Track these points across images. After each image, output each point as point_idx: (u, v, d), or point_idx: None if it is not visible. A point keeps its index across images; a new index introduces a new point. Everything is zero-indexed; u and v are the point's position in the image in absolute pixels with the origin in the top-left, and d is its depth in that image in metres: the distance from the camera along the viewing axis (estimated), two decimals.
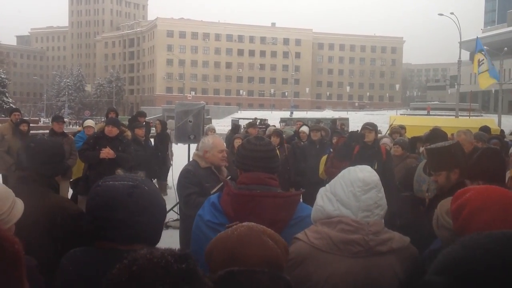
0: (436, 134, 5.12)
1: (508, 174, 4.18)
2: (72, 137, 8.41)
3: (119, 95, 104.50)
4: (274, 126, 16.87)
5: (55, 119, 8.33)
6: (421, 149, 6.21)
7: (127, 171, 6.22)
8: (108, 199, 1.66)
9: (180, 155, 10.61)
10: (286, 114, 62.81)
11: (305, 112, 74.50)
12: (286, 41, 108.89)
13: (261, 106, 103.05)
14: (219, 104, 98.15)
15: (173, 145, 11.29)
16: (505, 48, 43.92)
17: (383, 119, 41.24)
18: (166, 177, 10.78)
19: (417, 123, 18.03)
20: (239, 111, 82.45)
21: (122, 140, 6.74)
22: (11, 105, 49.80)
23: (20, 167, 2.55)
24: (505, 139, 9.93)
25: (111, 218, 1.64)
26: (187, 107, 9.00)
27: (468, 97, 57.59)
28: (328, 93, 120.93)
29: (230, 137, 10.06)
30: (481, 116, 49.57)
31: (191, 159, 4.87)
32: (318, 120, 18.52)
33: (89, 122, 8.84)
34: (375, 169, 2.10)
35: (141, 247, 1.26)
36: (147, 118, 11.04)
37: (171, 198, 8.79)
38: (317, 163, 7.40)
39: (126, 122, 10.63)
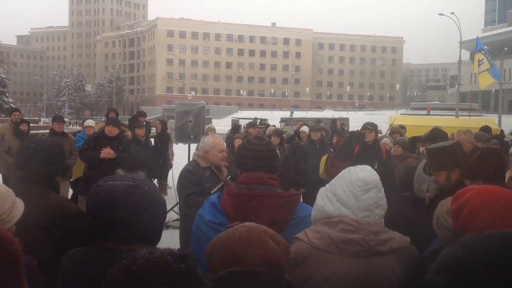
0: (436, 134, 5.12)
1: (508, 174, 4.18)
2: (72, 137, 8.41)
3: (119, 95, 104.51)
4: (274, 126, 16.88)
5: (55, 119, 8.33)
6: (421, 149, 6.21)
7: (128, 171, 6.23)
8: (109, 199, 1.66)
9: (180, 155, 10.61)
10: (286, 114, 62.81)
11: (305, 112, 74.48)
12: (286, 41, 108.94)
13: (261, 106, 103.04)
14: (219, 104, 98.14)
15: (174, 145, 11.30)
16: (505, 48, 43.99)
17: (383, 119, 41.26)
18: (166, 177, 10.78)
19: (417, 123, 18.02)
20: (239, 111, 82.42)
21: (122, 140, 6.74)
22: (11, 105, 49.79)
23: (20, 167, 2.54)
24: (505, 139, 9.93)
25: (112, 218, 1.64)
26: (187, 107, 9.00)
27: (468, 97, 57.58)
28: (328, 93, 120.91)
29: (230, 137, 10.06)
30: (481, 116, 49.57)
31: (191, 159, 4.87)
32: (318, 120, 18.54)
33: (90, 122, 8.84)
34: (375, 169, 2.10)
35: (141, 247, 1.26)
36: (147, 118, 11.04)
37: (171, 198, 8.79)
38: (317, 163, 7.40)
39: (126, 122, 10.65)
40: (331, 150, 7.18)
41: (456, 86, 40.71)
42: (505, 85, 40.41)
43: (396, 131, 9.34)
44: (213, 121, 44.90)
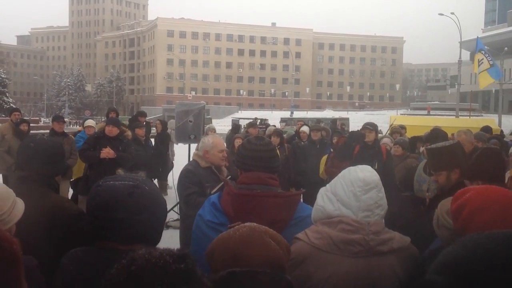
0: (437, 134, 5.12)
1: (508, 174, 4.18)
2: (72, 137, 8.42)
3: (120, 95, 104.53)
4: (274, 126, 16.88)
5: (56, 119, 8.33)
6: (422, 149, 6.21)
7: (128, 171, 6.23)
8: (109, 199, 1.66)
9: (181, 155, 10.61)
10: (286, 114, 62.82)
11: (306, 112, 74.51)
12: (286, 41, 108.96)
13: (262, 106, 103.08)
14: (219, 104, 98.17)
15: (174, 145, 11.30)
16: (506, 48, 44.01)
17: (384, 119, 41.26)
18: (167, 177, 10.78)
19: (418, 123, 18.01)
20: (239, 111, 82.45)
21: (123, 140, 6.74)
22: (11, 105, 49.79)
23: (20, 167, 2.54)
24: (505, 139, 9.93)
25: (112, 218, 1.64)
26: (188, 107, 9.00)
27: (468, 97, 57.58)
28: (328, 93, 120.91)
29: (230, 137, 10.06)
30: (481, 116, 49.57)
31: (191, 159, 4.87)
32: (319, 120, 18.56)
33: (90, 122, 8.84)
34: (375, 169, 2.10)
35: (141, 247, 1.26)
36: (147, 118, 11.04)
37: (172, 198, 8.80)
38: (317, 163, 7.40)
39: (126, 122, 10.64)
40: (331, 150, 7.18)
41: (456, 86, 40.70)
42: (505, 85, 40.42)
43: (396, 131, 9.34)
44: (213, 121, 44.91)
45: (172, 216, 7.96)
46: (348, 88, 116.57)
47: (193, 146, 7.83)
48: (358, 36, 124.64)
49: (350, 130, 15.21)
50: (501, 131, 14.26)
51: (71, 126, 56.38)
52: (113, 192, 1.67)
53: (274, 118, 52.75)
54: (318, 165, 7.32)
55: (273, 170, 2.34)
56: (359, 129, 6.71)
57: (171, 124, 11.70)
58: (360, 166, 2.04)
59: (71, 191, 7.52)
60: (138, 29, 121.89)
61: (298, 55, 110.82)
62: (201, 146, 4.30)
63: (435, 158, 3.13)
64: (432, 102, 76.54)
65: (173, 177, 8.93)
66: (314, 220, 2.05)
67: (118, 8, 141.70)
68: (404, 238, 1.98)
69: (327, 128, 10.99)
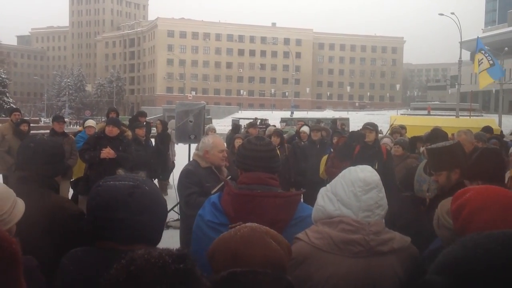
0: (437, 134, 5.12)
1: (508, 174, 4.18)
2: (72, 137, 8.42)
3: (120, 95, 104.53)
4: (274, 126, 16.88)
5: (56, 119, 8.34)
6: (422, 149, 6.21)
7: (128, 171, 6.23)
8: (109, 199, 1.66)
9: (181, 155, 10.61)
10: (286, 114, 62.83)
11: (306, 112, 74.54)
12: (286, 41, 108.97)
13: (262, 106, 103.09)
14: (219, 104, 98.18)
15: (175, 144, 11.30)
16: (506, 48, 44.02)
17: (384, 119, 41.29)
18: (166, 177, 10.78)
19: (418, 123, 18.00)
20: (239, 111, 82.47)
21: (123, 140, 6.74)
22: (12, 105, 49.74)
23: (20, 167, 2.54)
24: (504, 139, 9.93)
25: (112, 218, 1.64)
26: (188, 107, 9.00)
27: (468, 97, 57.57)
28: (328, 93, 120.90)
29: (230, 137, 10.07)
30: (482, 116, 49.56)
31: (191, 159, 4.88)
32: (319, 120, 18.56)
33: (90, 122, 8.85)
34: (375, 169, 2.10)
35: (141, 247, 1.26)
36: (147, 118, 11.04)
37: (172, 198, 8.80)
38: (317, 163, 7.40)
39: (126, 122, 10.64)
40: (332, 150, 7.18)
41: (456, 86, 40.69)
42: (505, 85, 40.42)
43: (397, 131, 9.34)
44: (214, 121, 44.90)
45: (173, 216, 7.96)
46: (348, 88, 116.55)
47: (193, 146, 7.84)
48: (358, 36, 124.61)
49: (350, 130, 15.21)
50: (501, 132, 14.25)
51: (71, 126, 56.41)
52: (113, 192, 1.67)
53: (274, 118, 52.75)
54: (318, 165, 7.32)
55: (273, 170, 2.34)
56: (359, 129, 6.71)
57: (172, 124, 11.70)
58: (360, 166, 2.04)
59: (71, 191, 7.52)
60: (138, 29, 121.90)
61: (298, 55, 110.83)
62: (201, 146, 4.30)
63: (435, 158, 3.13)
64: (432, 102, 76.53)
65: (173, 177, 8.94)
66: (315, 220, 2.05)
67: (118, 8, 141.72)
68: (404, 238, 1.98)
69: (327, 128, 10.99)
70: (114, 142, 6.51)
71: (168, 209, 6.82)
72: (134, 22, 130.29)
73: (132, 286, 1.09)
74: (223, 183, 2.74)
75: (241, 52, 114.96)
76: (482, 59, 22.19)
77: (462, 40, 40.74)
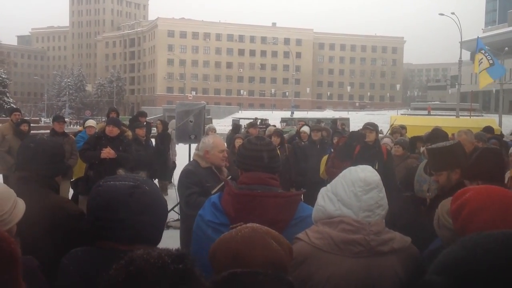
0: (437, 134, 5.11)
1: (508, 174, 4.18)
2: (73, 137, 8.42)
3: (120, 95, 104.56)
4: (275, 126, 16.88)
5: (56, 119, 8.34)
6: (422, 149, 6.21)
7: (128, 171, 6.23)
8: (109, 199, 1.66)
9: (181, 155, 10.61)
10: (286, 114, 62.80)
11: (306, 112, 74.54)
12: (286, 41, 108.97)
13: (262, 106, 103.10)
14: (219, 104, 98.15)
15: (175, 144, 11.30)
16: (506, 48, 43.99)
17: (384, 119, 41.27)
18: (166, 177, 10.78)
19: (418, 123, 17.98)
20: (240, 111, 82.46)
21: (123, 140, 6.74)
22: (12, 105, 49.74)
23: (20, 167, 2.54)
24: (504, 139, 9.93)
25: (112, 218, 1.64)
26: (188, 107, 9.01)
27: (468, 97, 57.53)
28: (328, 93, 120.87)
29: (230, 137, 10.07)
30: (482, 116, 49.53)
31: (191, 159, 4.88)
32: (319, 120, 18.57)
33: (91, 122, 8.85)
34: (376, 169, 2.10)
35: (142, 247, 1.26)
36: (147, 118, 11.04)
37: (172, 198, 8.80)
38: (318, 163, 7.40)
39: (127, 122, 10.64)
40: (332, 150, 7.17)
41: (456, 86, 40.68)
42: (506, 85, 40.39)
43: (397, 131, 9.34)
44: (214, 121, 44.92)
45: (173, 216, 7.97)
46: (349, 88, 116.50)
47: (194, 146, 7.84)
48: (359, 36, 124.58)
49: (350, 130, 15.21)
50: (501, 132, 14.24)
51: (72, 126, 56.42)
52: (113, 192, 1.67)
53: (275, 118, 52.75)
54: (319, 165, 7.32)
55: (274, 170, 2.34)
56: (359, 129, 6.70)
57: (172, 124, 11.70)
58: (360, 166, 2.04)
59: (71, 191, 7.52)
60: (139, 29, 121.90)
61: (298, 55, 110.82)
62: (202, 146, 4.30)
63: (435, 158, 3.13)
64: (433, 102, 76.51)
65: (174, 176, 8.94)
66: (315, 220, 2.05)
67: (119, 8, 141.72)
68: (404, 238, 1.98)
69: (328, 128, 10.99)
70: (115, 142, 6.51)
71: (169, 209, 6.82)
72: (134, 22, 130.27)
73: (131, 287, 1.09)
74: (223, 183, 2.74)
75: (241, 52, 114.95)
76: (482, 58, 22.18)
77: (462, 40, 40.73)
